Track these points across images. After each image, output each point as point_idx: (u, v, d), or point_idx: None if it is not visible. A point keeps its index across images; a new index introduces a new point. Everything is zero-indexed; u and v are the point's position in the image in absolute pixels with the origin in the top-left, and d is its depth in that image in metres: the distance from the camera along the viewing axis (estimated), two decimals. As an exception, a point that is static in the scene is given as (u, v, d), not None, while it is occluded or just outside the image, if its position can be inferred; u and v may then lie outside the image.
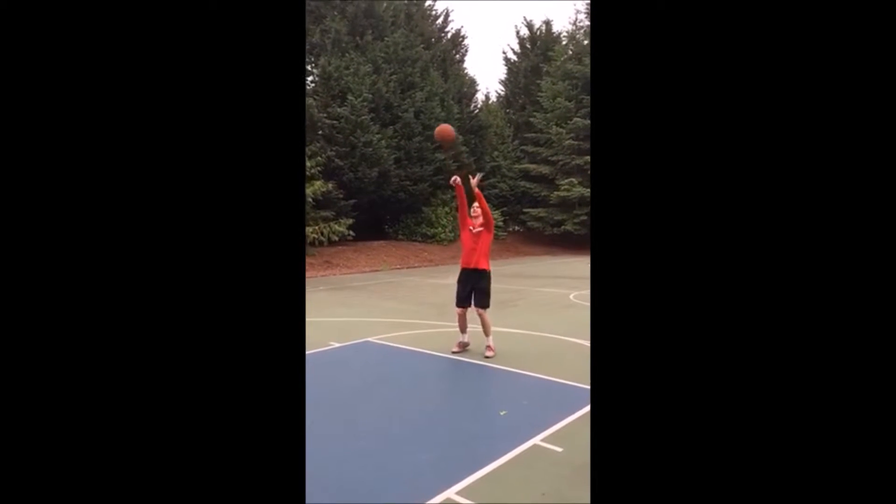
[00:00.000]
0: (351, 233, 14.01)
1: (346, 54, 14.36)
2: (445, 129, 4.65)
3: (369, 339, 5.24)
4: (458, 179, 4.44)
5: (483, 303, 4.48)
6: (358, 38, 14.94)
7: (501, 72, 26.47)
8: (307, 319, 6.35)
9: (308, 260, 12.77)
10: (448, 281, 9.58)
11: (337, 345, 5.00)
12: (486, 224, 4.47)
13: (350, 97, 13.75)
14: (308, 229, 12.81)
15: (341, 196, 14.04)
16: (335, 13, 14.66)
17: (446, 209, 16.73)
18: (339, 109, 13.72)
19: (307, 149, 13.07)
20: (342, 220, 13.84)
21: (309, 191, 12.74)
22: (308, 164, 12.91)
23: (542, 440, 2.68)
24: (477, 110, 19.60)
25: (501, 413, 3.13)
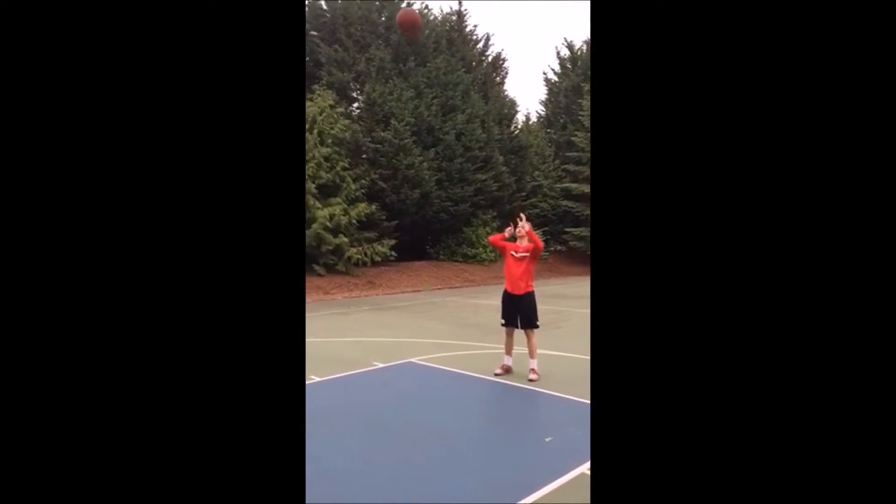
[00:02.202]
0: (393, 253, 14.23)
1: (390, 81, 14.82)
2: (408, 15, 3.92)
3: (412, 359, 5.28)
4: (510, 232, 4.48)
5: (531, 323, 4.42)
6: (401, 64, 15.40)
7: (542, 92, 26.58)
8: (351, 339, 6.48)
9: (352, 280, 13.05)
10: (489, 301, 9.54)
11: (380, 365, 5.06)
12: (532, 253, 4.42)
13: (393, 121, 14.13)
14: (352, 250, 13.13)
15: (384, 217, 14.33)
16: (380, 42, 15.20)
17: (487, 229, 16.73)
18: (382, 134, 14.11)
19: (352, 172, 13.49)
20: (385, 241, 14.10)
21: (353, 213, 13.11)
22: (353, 186, 13.31)
23: (590, 469, 2.62)
24: (517, 131, 19.67)
25: (547, 440, 3.08)
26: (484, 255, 16.84)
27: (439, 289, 13.93)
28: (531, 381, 4.32)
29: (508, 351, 4.61)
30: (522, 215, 4.65)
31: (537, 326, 4.45)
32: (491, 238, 4.66)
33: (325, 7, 15.29)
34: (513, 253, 4.48)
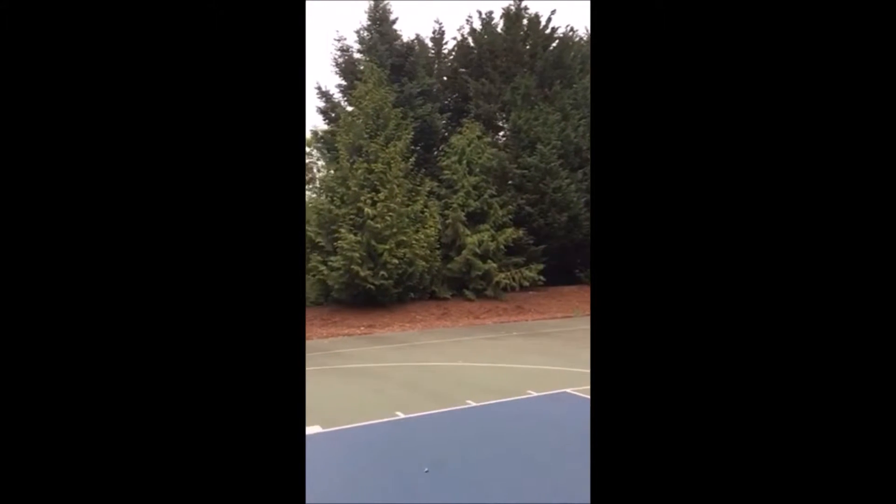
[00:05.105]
0: (542, 278, 14.03)
1: (535, 106, 14.91)
2: None
3: (567, 389, 5.07)
4: None
5: None
6: (546, 89, 15.42)
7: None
8: (503, 365, 6.49)
9: (500, 305, 13.17)
10: (649, 330, 8.77)
11: (534, 394, 4.96)
12: None
13: (539, 146, 14.12)
14: (501, 275, 13.31)
15: (531, 242, 14.27)
16: (524, 70, 15.46)
17: (643, 252, 15.60)
18: (528, 159, 14.18)
19: (499, 199, 13.77)
20: (533, 266, 13.99)
21: (501, 238, 13.33)
22: (500, 213, 13.57)
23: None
24: (675, 144, 18.16)
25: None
26: (640, 280, 15.67)
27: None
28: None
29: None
30: None
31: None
32: None
33: (472, 44, 16.11)
34: None
